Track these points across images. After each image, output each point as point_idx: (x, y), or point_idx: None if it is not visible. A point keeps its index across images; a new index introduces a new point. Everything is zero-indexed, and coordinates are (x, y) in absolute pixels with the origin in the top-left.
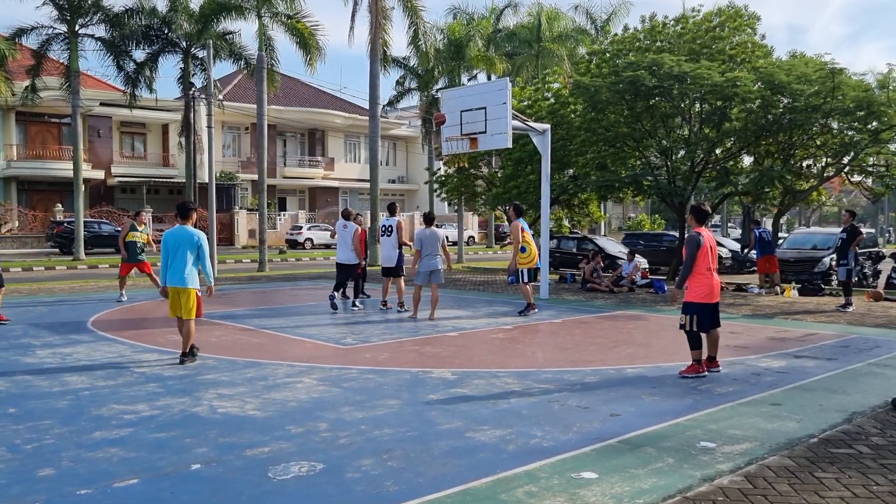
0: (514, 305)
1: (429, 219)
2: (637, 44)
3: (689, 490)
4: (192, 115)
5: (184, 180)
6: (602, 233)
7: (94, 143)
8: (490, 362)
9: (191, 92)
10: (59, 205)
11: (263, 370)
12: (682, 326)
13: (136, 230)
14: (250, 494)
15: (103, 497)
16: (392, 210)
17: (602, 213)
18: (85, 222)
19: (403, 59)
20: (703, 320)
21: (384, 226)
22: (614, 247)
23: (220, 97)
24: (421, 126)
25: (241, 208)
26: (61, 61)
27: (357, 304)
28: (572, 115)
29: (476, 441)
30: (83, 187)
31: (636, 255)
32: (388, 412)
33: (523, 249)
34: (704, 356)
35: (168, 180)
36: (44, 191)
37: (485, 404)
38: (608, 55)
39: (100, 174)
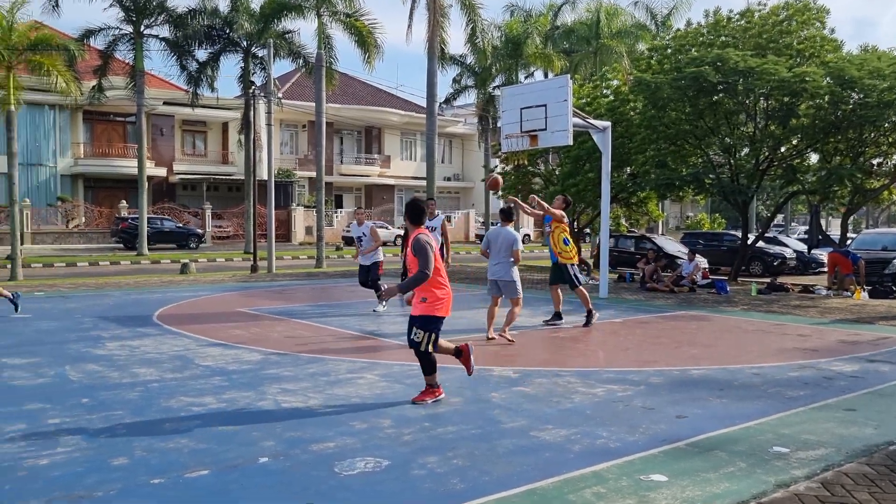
0: (574, 304)
1: (507, 214)
2: (700, 39)
3: (764, 496)
4: (251, 113)
5: (243, 177)
6: (660, 232)
7: (157, 141)
8: (552, 361)
9: (251, 90)
10: (124, 201)
11: (325, 366)
12: None
13: None
14: (317, 489)
15: (175, 487)
16: (432, 209)
17: (661, 212)
18: (148, 219)
19: (460, 56)
20: None
21: (426, 226)
22: (673, 246)
23: (279, 95)
24: (477, 123)
25: (298, 205)
26: (127, 61)
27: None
28: (632, 113)
29: (541, 440)
30: (146, 184)
31: (696, 254)
32: (450, 409)
33: (566, 242)
34: None
35: (227, 177)
36: (109, 188)
37: (548, 403)
38: (670, 51)
39: (162, 172)
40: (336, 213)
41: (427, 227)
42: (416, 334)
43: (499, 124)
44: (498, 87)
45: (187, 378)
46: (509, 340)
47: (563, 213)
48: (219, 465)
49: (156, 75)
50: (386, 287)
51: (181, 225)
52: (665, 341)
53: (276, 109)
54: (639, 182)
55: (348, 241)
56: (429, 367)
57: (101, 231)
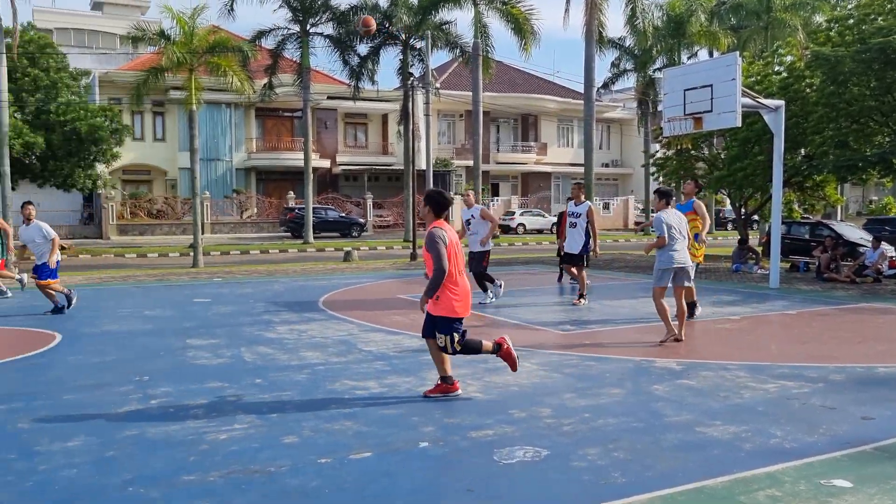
0: (740, 295)
1: (665, 195)
2: (888, 6)
3: None
4: (410, 104)
5: (402, 167)
6: (838, 217)
7: (322, 134)
8: (718, 354)
9: (409, 82)
10: (291, 192)
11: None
12: None
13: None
14: (477, 476)
15: (341, 467)
16: (577, 194)
17: (840, 196)
18: (313, 208)
19: (619, 39)
20: None
21: (572, 213)
22: (854, 233)
23: (437, 86)
24: (636, 108)
25: (455, 194)
26: (294, 59)
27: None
28: (808, 90)
29: (708, 437)
30: (312, 176)
31: (882, 241)
32: (611, 401)
33: (696, 239)
34: None
35: (387, 168)
36: (278, 180)
37: (715, 398)
38: (852, 21)
39: (326, 163)
40: (493, 200)
41: (572, 213)
42: (438, 339)
43: (660, 107)
44: (659, 69)
45: (351, 362)
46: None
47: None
48: (381, 447)
49: (320, 71)
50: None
51: (344, 214)
52: (846, 335)
53: (434, 100)
54: (815, 164)
55: (504, 229)
56: (472, 353)
57: (271, 221)
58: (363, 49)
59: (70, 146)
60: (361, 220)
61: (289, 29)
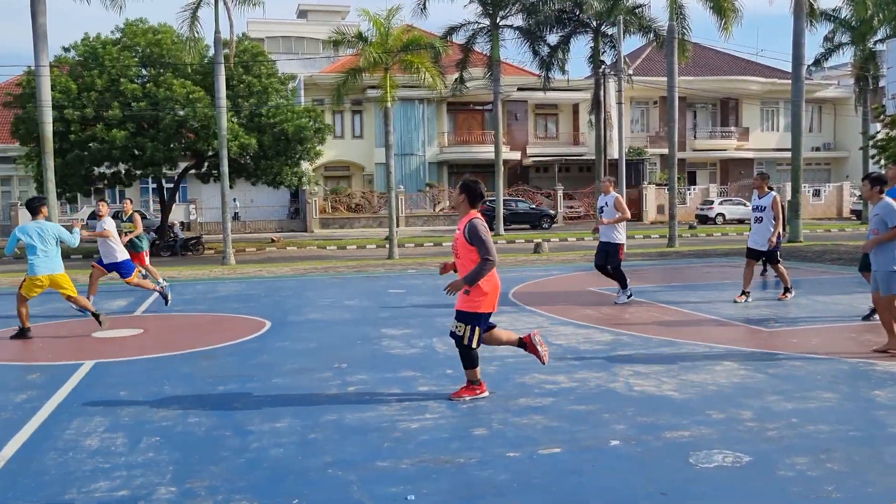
0: None
1: (878, 181)
2: None
3: None
4: (601, 92)
5: (593, 157)
6: None
7: (512, 126)
8: None
9: (600, 70)
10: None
11: (679, 349)
12: None
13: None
14: (671, 479)
15: (530, 462)
16: (761, 185)
17: None
18: (504, 201)
19: (833, 11)
20: None
21: (756, 206)
22: None
23: (629, 72)
24: (853, 85)
25: (649, 183)
26: (484, 53)
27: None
28: None
29: None
30: (502, 168)
31: None
32: (822, 406)
33: None
34: None
35: (578, 158)
36: (469, 172)
37: None
38: None
39: (516, 155)
40: (689, 190)
41: (756, 207)
42: (457, 327)
43: (882, 83)
44: (881, 40)
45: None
46: None
47: None
48: (571, 444)
49: (510, 63)
50: (451, 282)
51: (534, 206)
52: None
53: (627, 87)
54: None
55: (702, 219)
56: (469, 362)
57: None
58: (553, 39)
59: (279, 146)
60: (552, 212)
61: (479, 23)
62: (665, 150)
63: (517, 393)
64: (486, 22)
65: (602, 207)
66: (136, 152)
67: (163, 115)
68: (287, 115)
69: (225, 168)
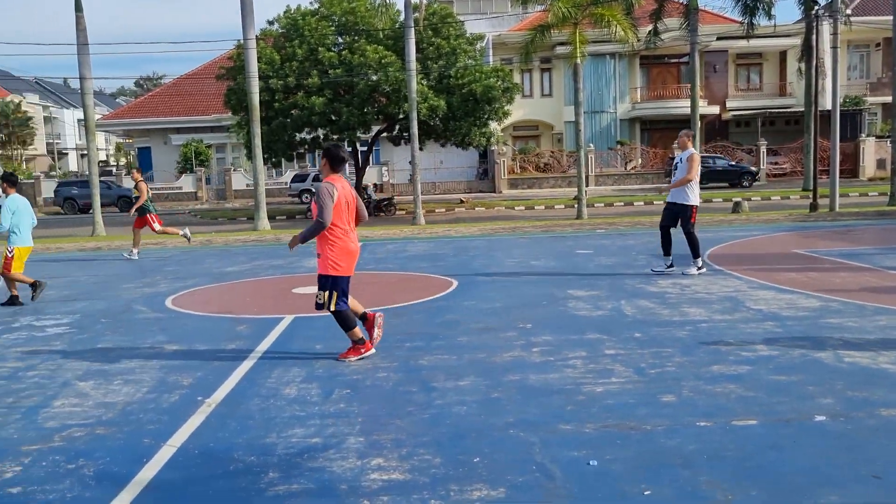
0: None
1: None
2: None
3: None
4: (813, 37)
5: (802, 109)
6: None
7: (710, 78)
8: None
9: (813, 11)
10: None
11: None
12: None
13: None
14: (887, 461)
15: (722, 433)
16: None
17: None
18: (701, 157)
19: None
20: None
21: None
22: None
23: (847, 13)
24: None
25: (868, 136)
26: (679, 1)
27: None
28: None
29: None
30: (699, 123)
31: None
32: None
33: None
34: None
35: (784, 110)
36: (663, 129)
37: None
38: None
39: (714, 109)
40: None
41: None
42: (318, 296)
43: None
44: None
45: (737, 321)
46: None
47: None
48: (768, 416)
49: (709, 11)
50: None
51: (734, 163)
52: None
53: (843, 29)
54: None
55: None
56: (344, 324)
57: (656, 172)
58: None
59: (467, 107)
60: (753, 169)
61: None
62: (888, 98)
63: (710, 360)
64: None
65: (676, 164)
66: (333, 118)
67: (357, 80)
68: (475, 75)
69: (415, 130)
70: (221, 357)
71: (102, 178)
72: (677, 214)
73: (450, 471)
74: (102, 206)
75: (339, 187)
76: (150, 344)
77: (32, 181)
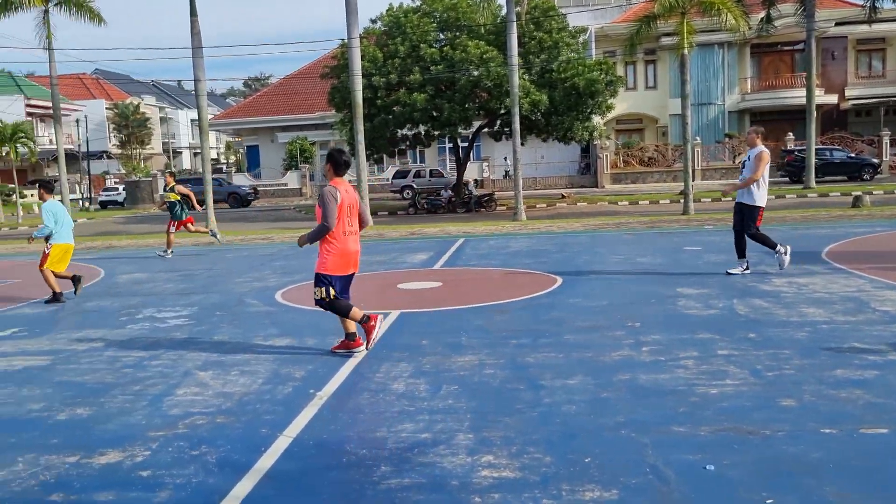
0: None
1: None
2: None
3: None
4: None
5: None
6: None
7: (827, 66)
8: None
9: None
10: (790, 133)
11: None
12: None
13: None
14: None
15: (848, 441)
16: None
17: None
18: (816, 150)
19: None
20: None
21: None
22: None
23: None
24: None
25: None
26: None
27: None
28: None
29: None
30: (815, 114)
31: None
32: None
33: None
34: None
35: None
36: (775, 120)
37: None
38: None
39: (832, 98)
40: None
41: None
42: (315, 292)
43: None
44: None
45: (861, 322)
46: None
47: None
48: None
49: None
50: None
51: (853, 154)
52: None
53: None
54: None
55: None
56: (340, 312)
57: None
58: None
59: (570, 101)
60: (875, 161)
61: None
62: None
63: (832, 363)
64: None
65: (744, 162)
66: (435, 114)
67: (458, 76)
68: (578, 69)
69: (517, 125)
70: (331, 351)
71: (214, 176)
72: (744, 215)
73: (561, 470)
74: (214, 202)
75: (343, 191)
76: (262, 337)
77: (150, 178)
